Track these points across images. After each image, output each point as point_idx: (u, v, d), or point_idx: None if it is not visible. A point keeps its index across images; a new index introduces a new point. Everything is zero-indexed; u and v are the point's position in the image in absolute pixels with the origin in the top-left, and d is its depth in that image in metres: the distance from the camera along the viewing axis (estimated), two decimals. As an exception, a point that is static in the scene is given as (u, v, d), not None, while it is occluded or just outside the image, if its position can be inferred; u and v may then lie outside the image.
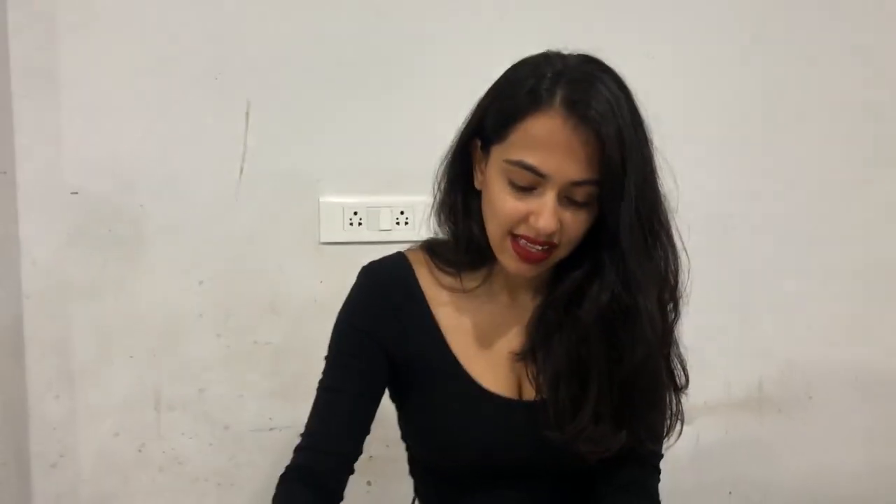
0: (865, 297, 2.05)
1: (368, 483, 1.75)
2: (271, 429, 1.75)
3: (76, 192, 1.60)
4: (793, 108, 1.93)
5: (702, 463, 2.01)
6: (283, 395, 1.74)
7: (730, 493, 2.03)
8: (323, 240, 1.72)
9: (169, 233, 1.65)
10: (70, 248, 1.61)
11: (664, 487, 1.85)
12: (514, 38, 1.67)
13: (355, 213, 1.73)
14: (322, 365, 1.20)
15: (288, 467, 1.14)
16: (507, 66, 1.09)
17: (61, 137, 1.59)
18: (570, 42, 1.10)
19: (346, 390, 1.13)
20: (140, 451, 1.69)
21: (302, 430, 1.47)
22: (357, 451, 1.14)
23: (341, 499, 1.13)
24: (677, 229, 1.11)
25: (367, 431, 1.15)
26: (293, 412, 1.71)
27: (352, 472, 1.15)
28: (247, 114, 1.66)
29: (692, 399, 1.94)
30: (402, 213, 1.74)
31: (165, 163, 1.63)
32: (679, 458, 1.99)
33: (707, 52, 1.86)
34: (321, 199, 1.71)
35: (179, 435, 1.71)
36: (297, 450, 1.15)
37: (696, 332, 1.86)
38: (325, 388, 1.15)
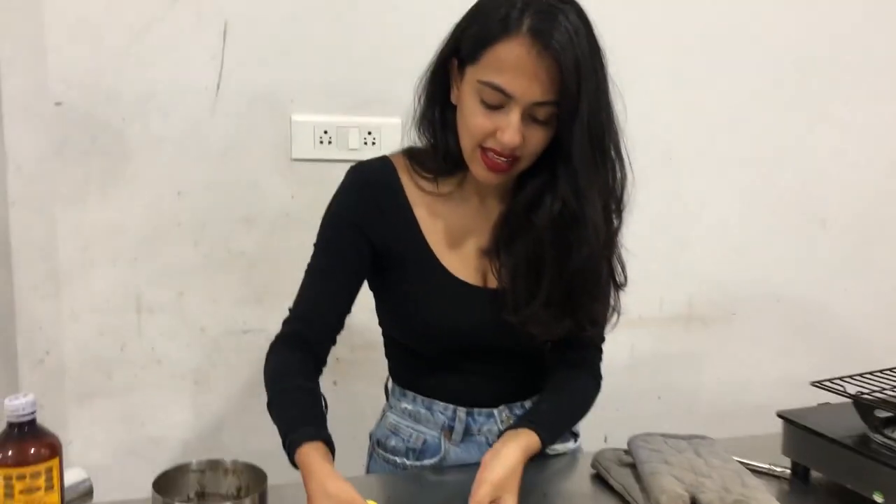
0: (788, 224, 2.24)
1: (335, 383, 1.88)
2: (244, 331, 1.86)
3: (60, 103, 1.67)
4: (734, 51, 2.08)
5: (635, 370, 2.19)
6: (256, 301, 1.85)
7: (659, 397, 2.20)
8: (294, 156, 1.82)
9: (149, 145, 1.73)
10: (54, 158, 1.68)
11: (604, 393, 2.07)
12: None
13: (325, 132, 1.82)
14: (294, 272, 1.30)
15: (278, 336, 1.26)
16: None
17: (45, 50, 1.64)
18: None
19: (334, 272, 1.25)
20: (122, 349, 1.79)
21: (272, 332, 1.62)
22: (340, 325, 1.27)
23: (324, 365, 1.26)
24: (626, 147, 1.26)
25: (349, 310, 1.27)
26: (264, 316, 1.85)
27: (334, 342, 1.27)
28: (224, 33, 1.73)
29: (628, 314, 2.15)
30: (369, 133, 1.84)
31: (146, 78, 1.70)
32: (615, 365, 2.16)
33: None
34: (293, 118, 1.80)
35: (159, 336, 1.81)
36: (287, 322, 1.27)
37: (633, 253, 2.07)
38: (314, 269, 1.27)
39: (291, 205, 1.82)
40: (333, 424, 1.18)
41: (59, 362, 1.75)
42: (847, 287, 2.32)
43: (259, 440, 1.78)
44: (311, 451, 1.07)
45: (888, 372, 1.35)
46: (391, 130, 1.79)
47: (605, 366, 2.08)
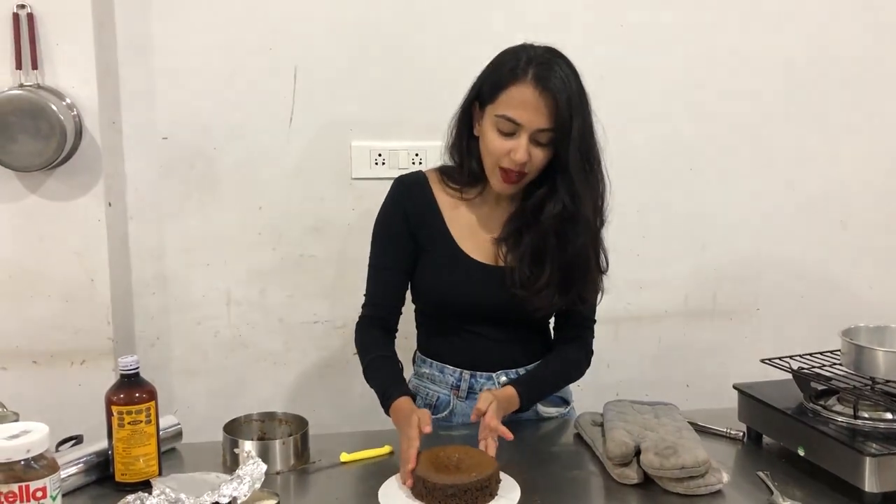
0: (810, 225, 2.42)
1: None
2: (315, 322, 2.22)
3: (166, 138, 2.07)
4: (757, 61, 2.30)
5: (663, 360, 2.43)
6: (324, 297, 2.20)
7: (687, 385, 2.43)
8: (354, 176, 2.16)
9: (236, 169, 2.11)
10: (162, 181, 2.08)
11: (633, 379, 2.34)
12: (503, 21, 2.11)
13: (379, 155, 2.16)
14: (355, 272, 1.68)
15: (360, 317, 1.65)
16: (487, 43, 1.57)
17: (155, 96, 2.05)
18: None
19: (389, 263, 1.62)
20: (216, 336, 2.18)
21: (338, 323, 1.98)
22: (402, 301, 1.65)
23: (396, 332, 1.66)
24: (605, 164, 1.55)
25: (406, 288, 1.64)
26: (332, 309, 2.21)
27: (400, 313, 1.65)
28: (294, 77, 2.10)
29: (654, 308, 2.39)
30: (416, 154, 2.17)
31: (233, 115, 2.08)
32: (644, 355, 2.44)
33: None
34: (353, 144, 2.15)
35: (245, 325, 2.18)
36: (364, 306, 1.65)
37: (661, 253, 2.31)
38: (374, 264, 1.64)
39: (352, 216, 2.17)
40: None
41: (166, 346, 2.15)
42: (871, 284, 2.48)
43: (324, 409, 2.16)
44: (397, 405, 1.46)
45: (828, 353, 1.57)
46: (434, 151, 2.09)
47: (634, 355, 2.38)
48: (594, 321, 1.68)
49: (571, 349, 1.65)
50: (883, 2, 2.35)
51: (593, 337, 1.69)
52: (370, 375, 1.57)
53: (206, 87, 2.07)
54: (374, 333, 1.62)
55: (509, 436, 1.36)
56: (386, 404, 1.49)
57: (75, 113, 1.89)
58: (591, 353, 1.68)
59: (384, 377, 1.54)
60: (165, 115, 2.06)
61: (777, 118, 2.35)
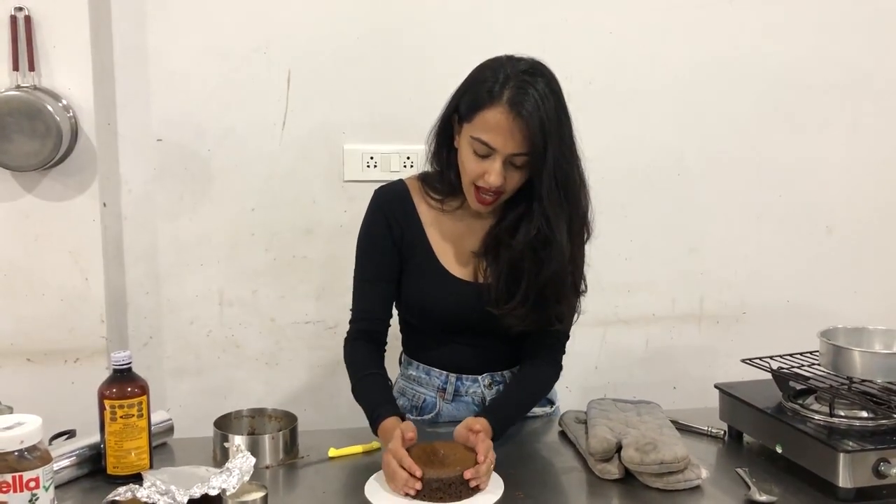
0: (795, 231, 2.46)
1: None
2: (306, 322, 2.24)
3: (161, 140, 2.10)
4: (744, 70, 2.34)
5: (651, 363, 2.46)
6: (316, 297, 2.23)
7: (674, 387, 2.46)
8: (346, 178, 2.19)
9: (229, 171, 2.14)
10: (156, 182, 2.11)
11: (620, 381, 2.36)
12: (493, 27, 2.15)
13: (371, 158, 2.19)
14: (347, 274, 1.66)
15: (347, 334, 1.63)
16: (478, 49, 1.54)
17: (149, 98, 2.08)
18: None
19: (374, 276, 1.61)
20: (208, 335, 2.20)
21: (330, 323, 2.00)
22: (389, 314, 1.64)
23: (385, 345, 1.64)
24: (588, 184, 1.55)
25: (393, 300, 1.64)
26: (323, 310, 2.24)
27: (389, 325, 1.64)
28: (288, 80, 2.13)
29: (642, 312, 2.42)
30: (408, 158, 2.20)
31: (227, 117, 2.11)
32: (632, 357, 2.47)
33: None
34: (345, 147, 2.18)
35: (237, 325, 2.21)
36: (351, 321, 1.63)
37: (648, 258, 2.34)
38: (360, 277, 1.63)
39: (344, 218, 2.20)
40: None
41: (159, 345, 2.18)
42: (856, 289, 2.51)
43: (315, 408, 2.18)
44: (385, 425, 1.45)
45: (808, 354, 1.60)
46: (426, 155, 2.14)
47: (621, 358, 2.41)
48: (568, 337, 1.67)
49: (540, 368, 1.62)
50: (870, 12, 2.39)
51: (564, 353, 1.67)
52: (359, 393, 1.56)
53: (201, 90, 2.10)
54: (363, 349, 1.60)
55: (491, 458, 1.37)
56: (374, 424, 1.48)
57: (71, 114, 1.92)
58: (560, 368, 1.66)
59: (373, 396, 1.53)
60: (160, 116, 2.09)
61: (764, 125, 2.39)
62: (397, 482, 1.31)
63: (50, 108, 1.84)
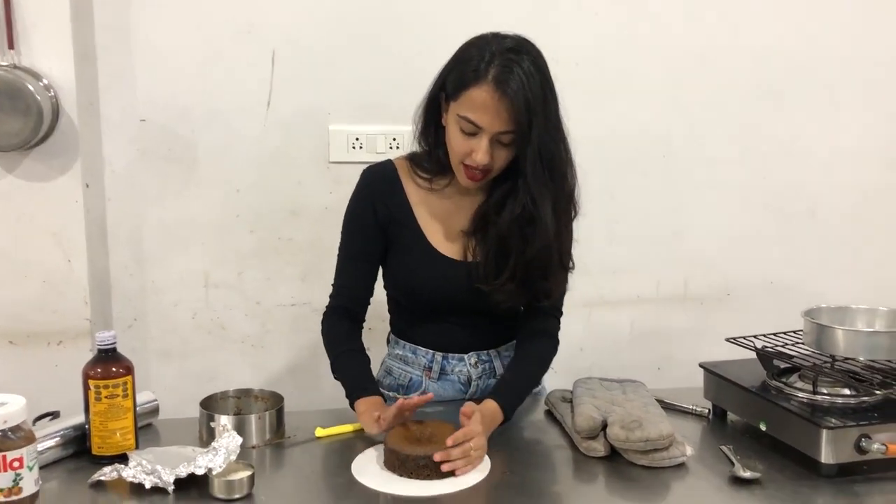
0: (779, 214, 2.47)
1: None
2: (292, 304, 2.24)
3: (144, 120, 2.08)
4: (730, 53, 2.34)
5: (636, 344, 2.47)
6: (301, 279, 2.23)
7: (658, 368, 2.45)
8: (332, 160, 2.18)
9: (213, 152, 2.12)
10: (140, 163, 2.10)
11: (605, 363, 2.37)
12: (480, 7, 2.14)
13: (357, 139, 2.18)
14: (333, 256, 1.66)
15: (327, 309, 1.65)
16: (465, 28, 1.52)
17: (133, 78, 2.06)
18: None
19: (358, 254, 1.62)
20: (193, 318, 2.20)
21: (316, 306, 1.99)
22: (370, 293, 1.65)
23: (364, 322, 1.66)
24: (574, 158, 1.56)
25: (375, 280, 1.65)
26: (309, 292, 2.24)
27: (369, 304, 1.65)
28: (273, 60, 2.12)
29: (628, 294, 2.43)
30: (394, 139, 2.19)
31: (211, 99, 2.10)
32: (618, 339, 2.48)
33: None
34: (330, 128, 2.17)
35: (223, 307, 2.20)
36: (331, 297, 1.65)
37: (633, 240, 2.35)
38: (344, 255, 1.64)
39: (329, 199, 2.18)
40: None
41: (143, 327, 2.17)
42: (839, 270, 2.53)
43: (301, 390, 2.18)
44: (362, 402, 1.49)
45: (791, 333, 1.62)
46: (411, 136, 2.12)
47: (607, 341, 2.40)
48: (561, 312, 1.68)
49: (538, 344, 1.64)
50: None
51: (559, 327, 1.68)
52: (338, 369, 1.58)
53: (185, 70, 2.08)
54: (342, 326, 1.62)
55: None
56: (353, 398, 1.50)
57: (52, 94, 1.89)
58: (558, 342, 1.67)
59: (352, 372, 1.55)
60: (143, 97, 2.07)
61: (749, 108, 2.40)
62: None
63: (30, 87, 1.82)
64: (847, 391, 1.42)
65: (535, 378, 1.66)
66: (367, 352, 1.63)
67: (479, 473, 1.33)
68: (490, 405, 1.47)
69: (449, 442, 1.33)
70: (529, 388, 1.62)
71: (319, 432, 1.49)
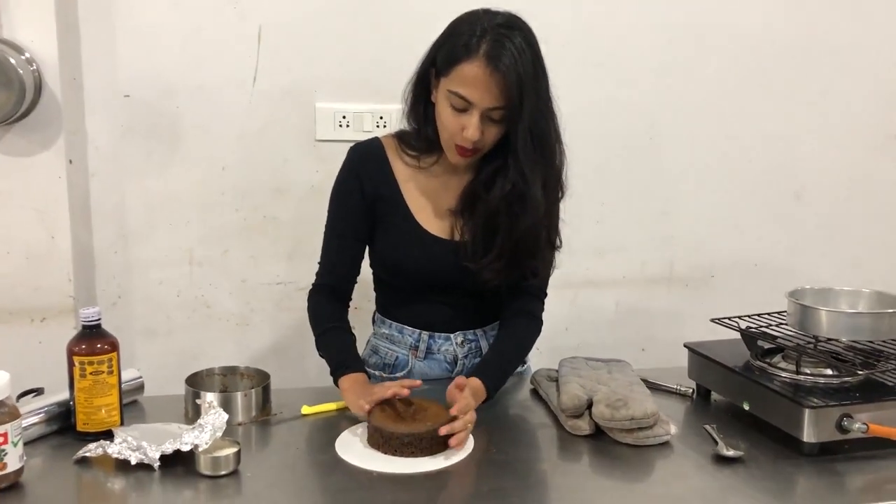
0: (764, 196, 2.48)
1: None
2: (277, 283, 2.23)
3: (128, 96, 2.06)
4: (716, 37, 2.34)
5: (620, 325, 2.48)
6: (287, 258, 2.22)
7: (643, 349, 2.48)
8: (318, 137, 2.17)
9: (199, 129, 2.10)
10: (124, 139, 2.07)
11: (590, 343, 2.37)
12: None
13: (344, 118, 2.17)
14: (318, 234, 1.66)
15: (314, 285, 1.65)
16: (455, 6, 1.51)
17: (116, 53, 2.03)
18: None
19: (345, 232, 1.61)
20: (178, 296, 2.18)
21: (301, 284, 1.98)
22: (357, 271, 1.64)
23: (350, 300, 1.66)
24: (564, 137, 1.56)
25: (362, 258, 1.65)
26: (294, 271, 2.23)
27: (355, 283, 1.65)
28: (259, 36, 2.09)
29: (612, 274, 2.44)
30: (381, 118, 2.18)
31: (196, 74, 2.07)
32: (601, 319, 2.49)
33: None
34: (317, 105, 2.15)
35: (207, 285, 2.19)
36: (317, 275, 1.65)
37: (619, 221, 2.36)
38: (330, 233, 1.63)
39: (316, 178, 2.17)
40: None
41: (128, 305, 2.16)
42: (823, 252, 2.55)
43: (286, 369, 2.18)
44: (346, 379, 1.48)
45: (776, 314, 1.63)
46: (398, 115, 2.10)
47: (592, 319, 2.42)
48: (545, 293, 1.69)
49: (522, 324, 1.64)
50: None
51: (543, 309, 1.69)
52: (322, 345, 1.58)
53: (169, 45, 2.05)
54: (327, 303, 1.62)
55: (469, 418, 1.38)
56: (336, 375, 1.50)
57: (34, 67, 1.87)
58: (542, 322, 1.68)
59: (337, 349, 1.55)
60: (127, 72, 2.04)
61: (736, 90, 2.40)
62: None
63: (12, 60, 1.79)
64: (829, 371, 1.44)
65: (517, 358, 1.66)
66: (353, 331, 1.62)
67: (463, 451, 1.34)
68: (475, 382, 1.48)
69: (454, 412, 1.34)
70: (512, 369, 1.63)
71: (306, 410, 1.49)
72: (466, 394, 1.39)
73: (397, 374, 1.66)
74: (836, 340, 1.49)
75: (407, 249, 1.60)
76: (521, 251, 1.55)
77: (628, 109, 2.36)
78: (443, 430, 1.31)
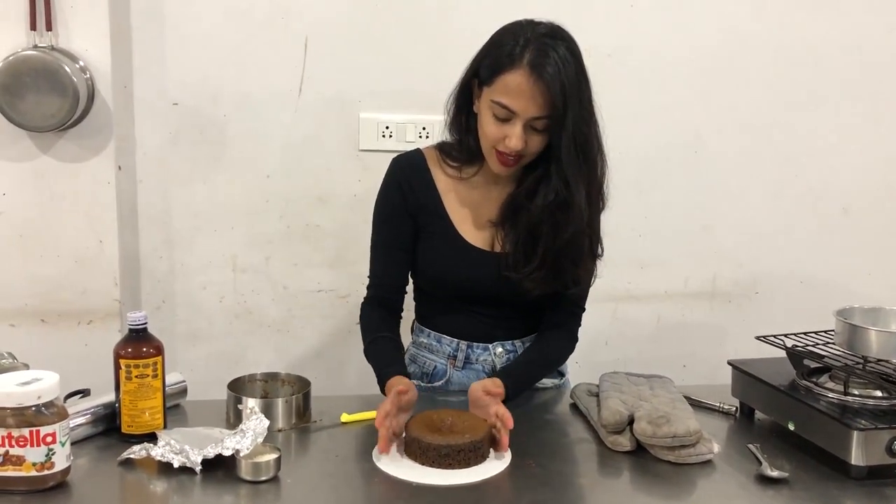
0: (811, 212, 2.44)
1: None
2: (318, 290, 2.25)
3: (177, 104, 2.10)
4: (763, 54, 2.32)
5: (661, 340, 2.46)
6: (328, 266, 2.24)
7: (684, 366, 2.44)
8: (361, 147, 2.19)
9: (244, 136, 2.14)
10: (172, 146, 2.11)
11: (630, 358, 2.35)
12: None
13: (387, 128, 2.19)
14: (360, 243, 1.68)
15: (365, 298, 1.67)
16: (497, 19, 1.52)
17: (166, 61, 2.07)
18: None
19: (391, 243, 1.63)
20: (221, 301, 2.21)
21: (342, 293, 1.99)
22: (405, 281, 1.66)
23: (402, 311, 1.68)
24: (605, 147, 1.56)
25: (409, 268, 1.65)
26: (335, 278, 2.25)
27: (405, 292, 1.67)
28: (305, 47, 2.12)
29: (655, 289, 2.42)
30: (423, 128, 2.19)
31: (243, 83, 2.11)
32: (642, 334, 2.47)
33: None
34: (361, 116, 2.17)
35: (250, 291, 2.22)
36: (368, 287, 1.67)
37: (662, 234, 2.34)
38: (376, 244, 1.65)
39: (358, 187, 2.19)
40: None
41: (171, 309, 2.19)
42: (870, 271, 2.49)
43: (326, 376, 2.19)
44: (391, 384, 1.46)
45: (822, 333, 1.60)
46: (441, 126, 2.12)
47: (632, 334, 2.40)
48: (583, 309, 1.68)
49: (556, 338, 1.64)
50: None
51: (580, 324, 1.68)
52: (370, 354, 1.59)
53: (218, 55, 2.09)
54: (378, 314, 1.64)
55: (510, 425, 1.36)
56: (382, 382, 1.51)
57: (88, 75, 1.91)
58: (576, 340, 1.68)
59: (383, 357, 1.56)
60: (176, 80, 2.08)
61: (782, 104, 2.36)
62: (379, 439, 1.34)
63: (67, 68, 1.83)
64: (879, 393, 1.41)
65: (545, 370, 1.67)
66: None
67: (501, 464, 1.33)
68: (496, 381, 1.48)
69: (510, 425, 1.35)
70: (537, 379, 1.65)
71: (345, 418, 1.49)
72: (499, 398, 1.41)
73: (436, 384, 1.66)
74: (887, 362, 1.45)
75: (448, 261, 1.60)
76: (564, 260, 1.55)
77: (672, 122, 2.34)
78: (504, 446, 1.35)
